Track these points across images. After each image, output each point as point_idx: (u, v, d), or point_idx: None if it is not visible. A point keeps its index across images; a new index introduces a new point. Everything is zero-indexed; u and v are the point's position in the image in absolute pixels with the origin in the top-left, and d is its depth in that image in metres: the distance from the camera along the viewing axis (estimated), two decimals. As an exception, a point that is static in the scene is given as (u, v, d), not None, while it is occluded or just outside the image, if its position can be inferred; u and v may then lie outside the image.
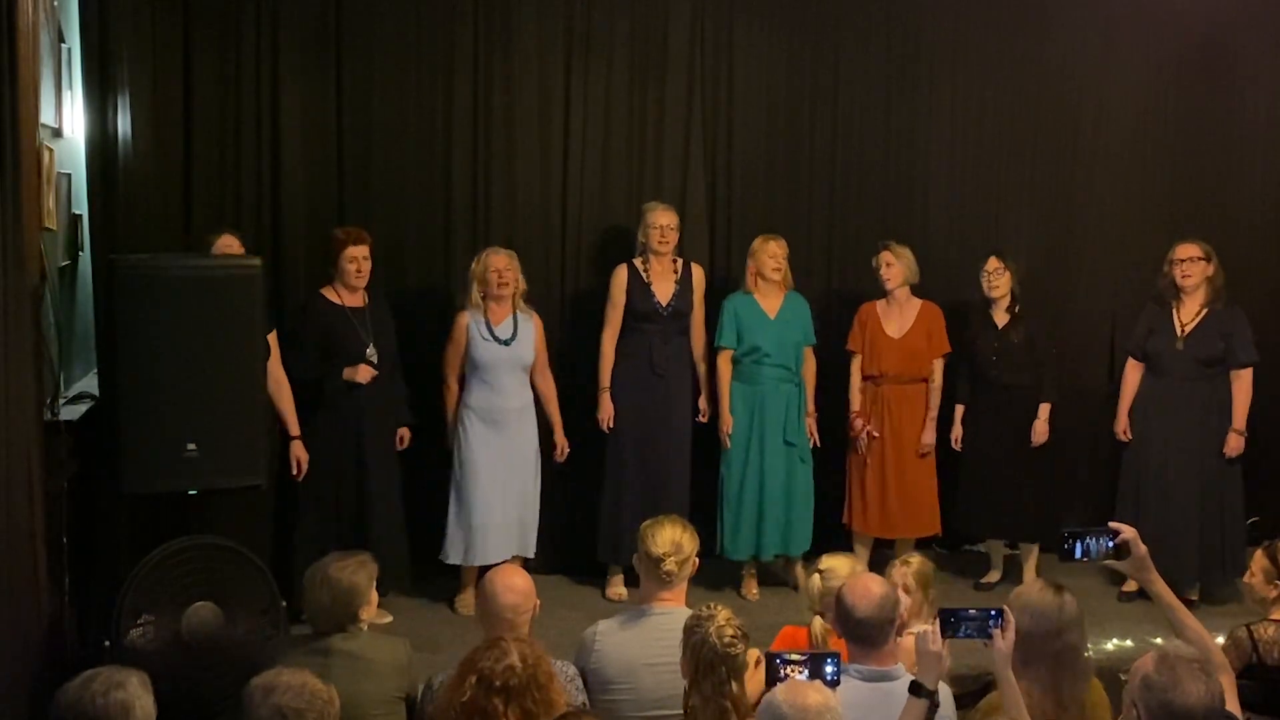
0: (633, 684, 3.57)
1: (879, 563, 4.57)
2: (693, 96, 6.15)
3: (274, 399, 5.03)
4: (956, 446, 5.96)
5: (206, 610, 4.08)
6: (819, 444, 5.91)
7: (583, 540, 5.91)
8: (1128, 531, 3.37)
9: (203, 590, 4.10)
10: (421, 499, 5.65)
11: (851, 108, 6.38)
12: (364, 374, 5.30)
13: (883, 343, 5.85)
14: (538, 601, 3.52)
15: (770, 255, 5.74)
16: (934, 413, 5.88)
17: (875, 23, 6.35)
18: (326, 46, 5.74)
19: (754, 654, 3.31)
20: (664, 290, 5.75)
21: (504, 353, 5.50)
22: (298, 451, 5.24)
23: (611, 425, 5.75)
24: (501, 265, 5.49)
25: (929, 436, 5.87)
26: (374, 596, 3.73)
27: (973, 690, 3.89)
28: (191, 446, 4.20)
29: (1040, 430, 5.81)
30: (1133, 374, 5.91)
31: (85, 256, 5.10)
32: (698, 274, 5.86)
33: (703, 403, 5.91)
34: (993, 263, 5.81)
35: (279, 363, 5.15)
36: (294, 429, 5.24)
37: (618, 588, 5.84)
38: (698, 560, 3.78)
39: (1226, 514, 5.76)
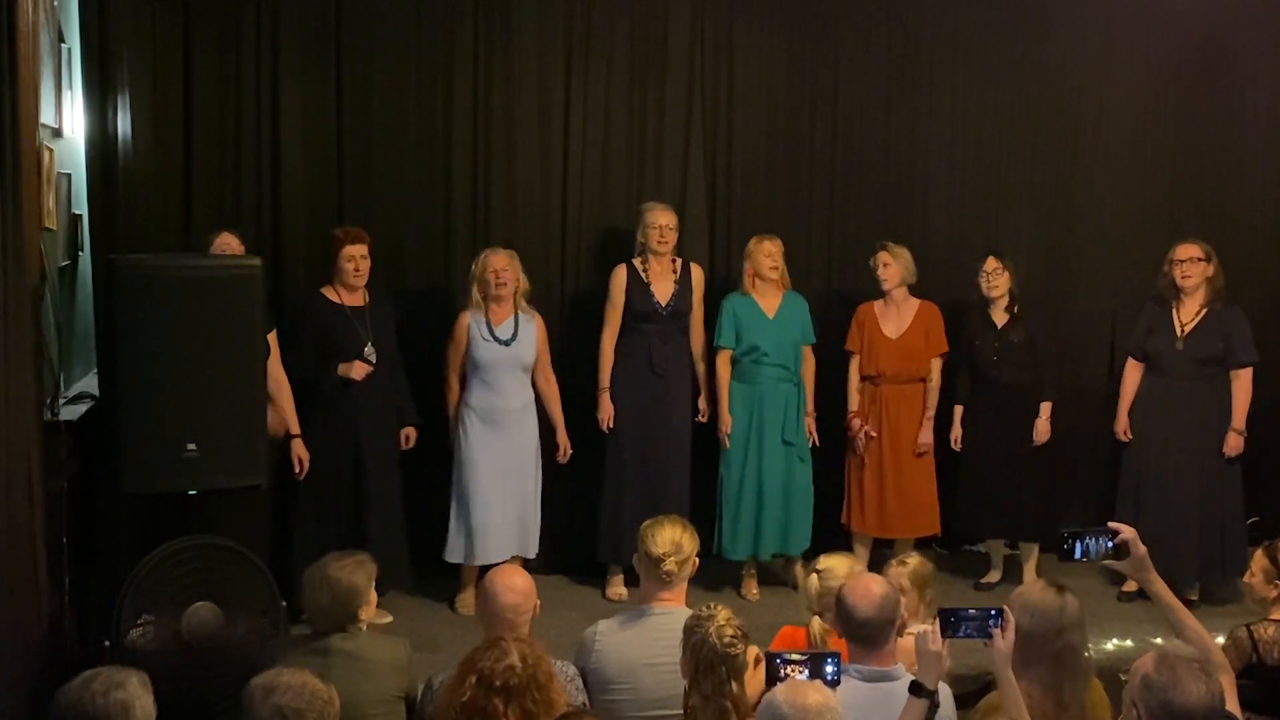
0: (633, 684, 3.57)
1: (878, 563, 4.56)
2: (693, 96, 6.15)
3: (274, 398, 5.03)
4: (956, 447, 5.96)
5: (206, 610, 4.09)
6: (818, 443, 5.91)
7: (583, 540, 5.91)
8: (1127, 531, 3.37)
9: (203, 590, 4.11)
10: (421, 499, 5.65)
11: (851, 108, 6.38)
12: (358, 370, 5.30)
13: (880, 343, 5.85)
14: (538, 601, 3.52)
15: (766, 255, 5.74)
16: (931, 412, 5.88)
17: (875, 23, 6.35)
18: (326, 46, 5.74)
19: (753, 651, 3.31)
20: (663, 290, 5.75)
21: (504, 353, 5.50)
22: (299, 450, 5.24)
23: (611, 425, 5.76)
24: (501, 265, 5.49)
25: (926, 436, 5.87)
26: (373, 596, 3.73)
27: (973, 690, 3.89)
28: (191, 446, 4.20)
29: (1042, 429, 5.81)
30: (1132, 374, 5.91)
31: (85, 256, 5.11)
32: (697, 274, 5.86)
33: (702, 402, 5.91)
34: (991, 263, 5.82)
35: (279, 362, 5.15)
36: (294, 428, 5.24)
37: (618, 588, 5.84)
38: (698, 560, 3.78)
39: (1226, 514, 5.76)
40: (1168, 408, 5.77)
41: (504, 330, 5.52)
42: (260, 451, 4.41)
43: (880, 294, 5.88)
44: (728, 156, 6.26)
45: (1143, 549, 3.36)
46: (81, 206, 5.03)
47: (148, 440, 4.18)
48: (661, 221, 5.69)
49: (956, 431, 5.96)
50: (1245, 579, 4.21)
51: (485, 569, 4.45)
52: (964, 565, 6.26)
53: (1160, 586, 3.37)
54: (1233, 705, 3.11)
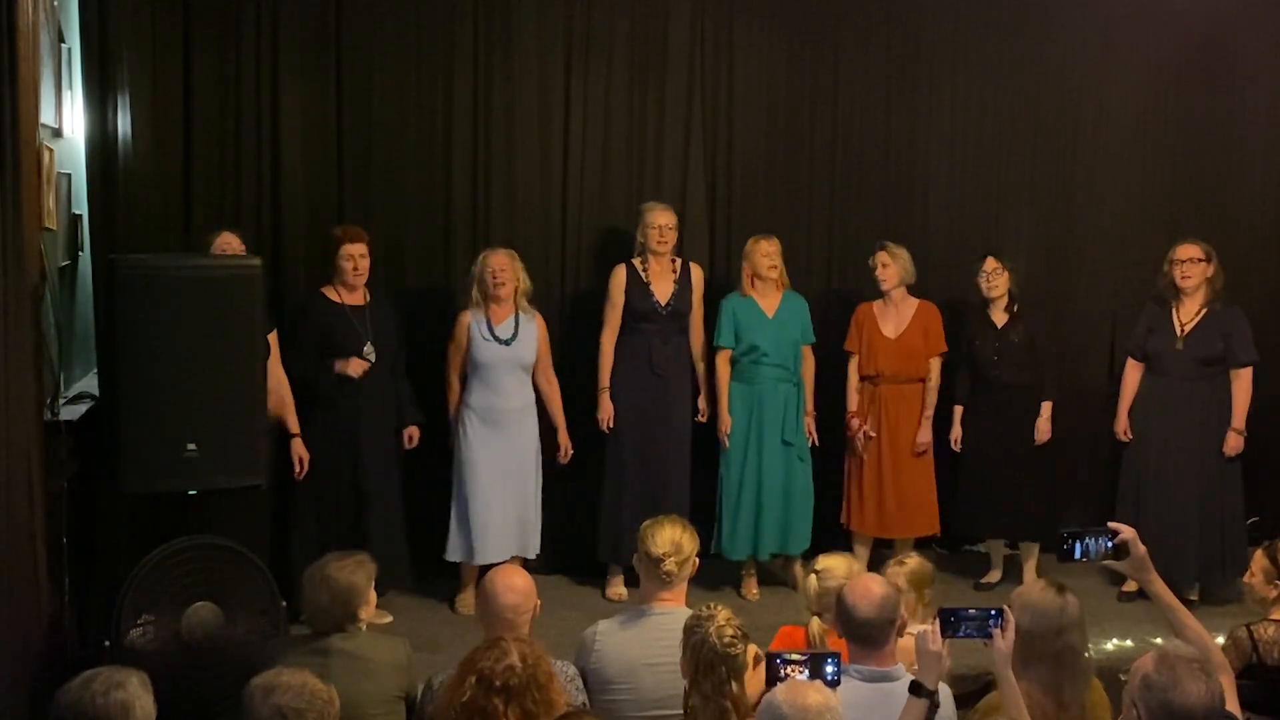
0: (633, 684, 3.57)
1: (878, 563, 4.57)
2: (693, 96, 6.15)
3: (274, 398, 5.03)
4: (956, 447, 5.96)
5: (206, 610, 4.09)
6: (817, 443, 5.91)
7: (583, 540, 5.91)
8: (1127, 531, 3.37)
9: (202, 590, 4.11)
10: (421, 499, 5.66)
11: (851, 108, 6.38)
12: (355, 367, 5.30)
13: (879, 343, 5.85)
14: (538, 601, 3.52)
15: (764, 254, 5.74)
16: (930, 412, 5.88)
17: (875, 23, 6.35)
18: (326, 46, 5.74)
19: (753, 651, 3.31)
20: (663, 290, 5.75)
21: (504, 353, 5.50)
22: (299, 450, 5.24)
23: (611, 425, 5.75)
24: (500, 265, 5.48)
25: (925, 436, 5.86)
26: (372, 596, 3.73)
27: (973, 690, 3.89)
28: (191, 446, 4.21)
29: (1043, 428, 5.82)
30: (1132, 374, 5.91)
31: (85, 256, 5.11)
32: (696, 274, 5.86)
33: (702, 402, 5.91)
34: (990, 263, 5.82)
35: (279, 362, 5.16)
36: (294, 427, 5.24)
37: (618, 588, 5.84)
38: (698, 560, 3.78)
39: (1226, 514, 5.76)
40: (1168, 408, 5.77)
41: (504, 330, 5.52)
42: (260, 451, 4.41)
43: (879, 294, 5.88)
44: (728, 156, 6.26)
45: (1142, 549, 3.36)
46: (81, 206, 5.03)
47: (148, 440, 4.18)
48: (661, 221, 5.69)
49: (956, 431, 5.96)
50: (1245, 579, 4.20)
51: (485, 569, 4.45)
52: (964, 565, 6.26)
53: (1160, 586, 3.37)
54: (1233, 705, 3.11)
